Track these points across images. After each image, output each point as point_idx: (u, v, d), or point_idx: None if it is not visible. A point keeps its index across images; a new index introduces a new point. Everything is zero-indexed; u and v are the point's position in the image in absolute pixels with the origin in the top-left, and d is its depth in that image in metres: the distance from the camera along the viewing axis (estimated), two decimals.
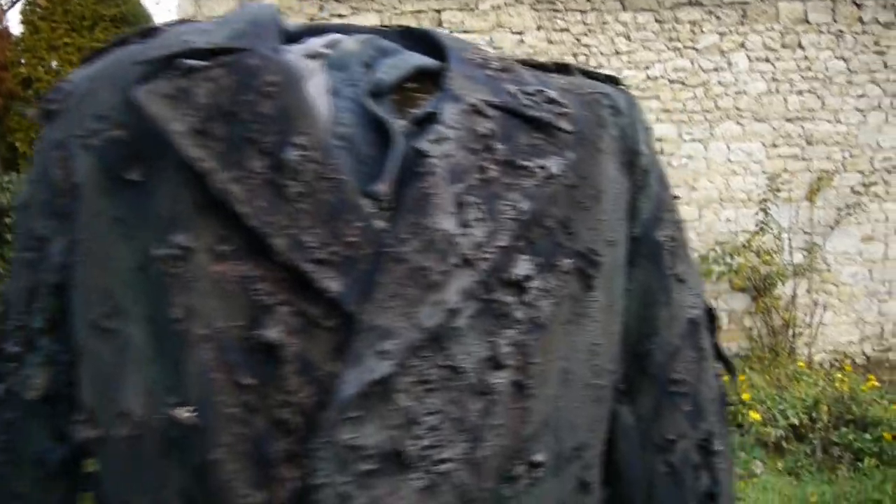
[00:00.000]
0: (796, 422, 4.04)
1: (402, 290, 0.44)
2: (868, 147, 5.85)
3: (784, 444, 3.98)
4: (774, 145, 5.74)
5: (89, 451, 0.52)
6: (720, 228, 5.67)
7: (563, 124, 0.52)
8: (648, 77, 5.59)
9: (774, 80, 5.72)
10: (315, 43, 0.54)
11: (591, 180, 0.54)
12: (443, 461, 0.45)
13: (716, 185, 5.67)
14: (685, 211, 5.58)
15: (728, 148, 5.69)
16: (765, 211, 5.47)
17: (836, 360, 5.74)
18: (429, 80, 0.53)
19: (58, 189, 0.51)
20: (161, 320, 0.46)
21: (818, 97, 5.78)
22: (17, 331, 0.53)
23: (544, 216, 0.50)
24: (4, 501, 0.55)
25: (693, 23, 5.62)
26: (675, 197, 0.63)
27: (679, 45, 5.61)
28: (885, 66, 5.83)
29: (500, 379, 0.47)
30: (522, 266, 0.48)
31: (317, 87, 0.50)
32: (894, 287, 5.92)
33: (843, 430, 3.93)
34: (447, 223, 0.46)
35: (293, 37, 0.56)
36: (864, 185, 5.75)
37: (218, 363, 0.44)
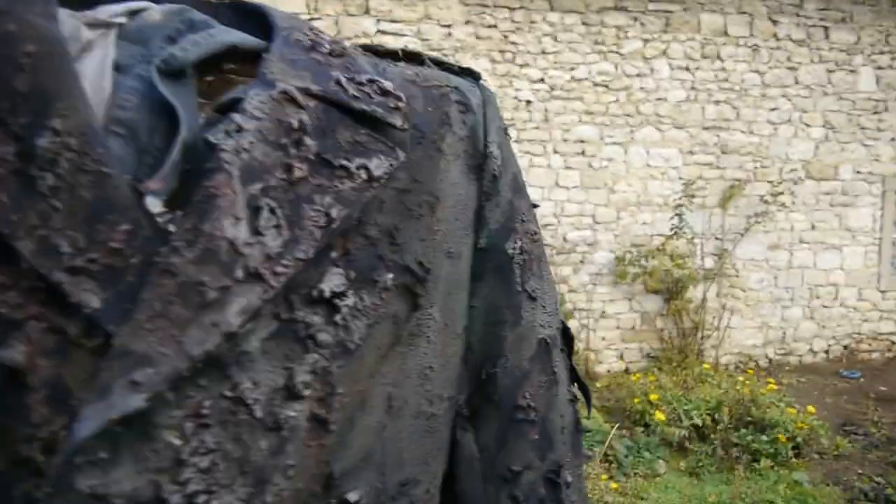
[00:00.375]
0: (699, 422, 4.14)
1: (169, 309, 0.36)
2: (778, 158, 6.08)
3: (687, 444, 4.08)
4: (691, 152, 5.89)
5: None
6: (637, 231, 5.77)
7: (396, 120, 0.46)
8: (573, 78, 5.63)
9: (693, 88, 5.86)
10: (111, 10, 0.46)
11: (427, 185, 0.47)
12: None
13: (634, 188, 5.77)
14: (604, 213, 5.67)
15: (647, 153, 5.80)
16: (679, 216, 5.61)
17: (741, 363, 5.95)
18: (251, 63, 0.46)
19: None
20: None
21: (734, 108, 5.96)
22: None
23: (365, 224, 0.44)
24: None
25: (618, 27, 5.70)
26: (534, 205, 0.57)
27: (604, 48, 5.68)
28: (797, 81, 6.07)
29: (296, 412, 0.40)
30: (333, 281, 0.42)
31: (96, 63, 0.42)
32: (797, 294, 6.18)
33: (743, 431, 4.05)
34: (234, 230, 0.38)
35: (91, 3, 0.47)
36: (772, 194, 5.97)
37: None
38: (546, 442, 0.55)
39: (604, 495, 2.83)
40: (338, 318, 0.41)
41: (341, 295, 0.42)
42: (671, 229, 5.64)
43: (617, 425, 4.14)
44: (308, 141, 0.42)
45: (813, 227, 6.19)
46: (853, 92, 6.23)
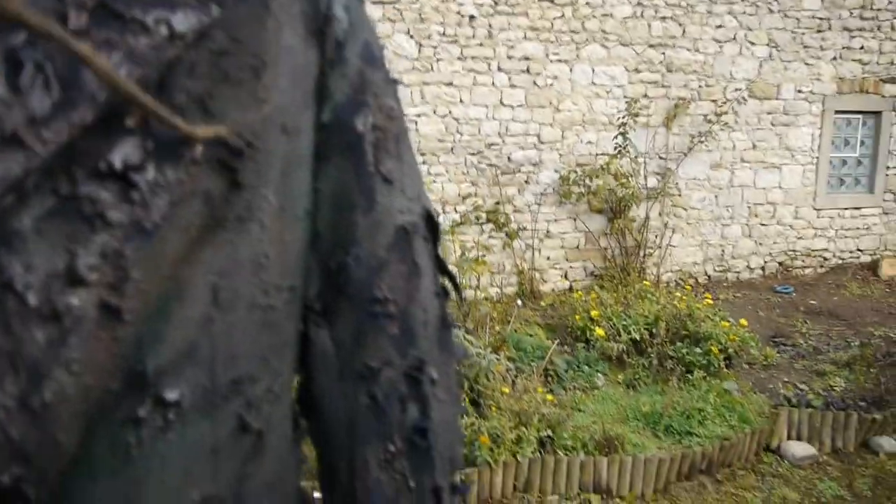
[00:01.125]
0: (637, 337, 4.26)
1: None
2: (722, 77, 6.08)
3: (625, 357, 4.19)
4: (636, 70, 5.83)
5: None
6: (581, 150, 5.76)
7: None
8: None
9: (639, 4, 5.76)
10: None
11: (250, 47, 0.41)
12: None
13: (579, 107, 5.72)
14: (549, 132, 5.63)
15: (592, 70, 5.73)
16: (623, 135, 5.60)
17: (681, 280, 6.10)
18: None
19: None
20: None
21: (679, 24, 5.90)
22: None
23: (169, 89, 0.38)
24: None
25: None
26: (394, 80, 0.52)
27: None
28: None
29: (79, 300, 0.35)
30: (126, 152, 0.36)
31: None
32: (736, 212, 6.31)
33: (678, 344, 4.18)
34: None
35: None
36: (716, 114, 6.00)
37: None
38: (407, 337, 0.51)
39: (539, 407, 2.91)
40: (133, 194, 0.36)
41: (137, 168, 0.36)
42: (615, 148, 5.64)
43: (557, 342, 4.22)
44: None
45: (754, 147, 6.27)
46: (798, 10, 6.22)
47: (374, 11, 5.15)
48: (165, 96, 0.38)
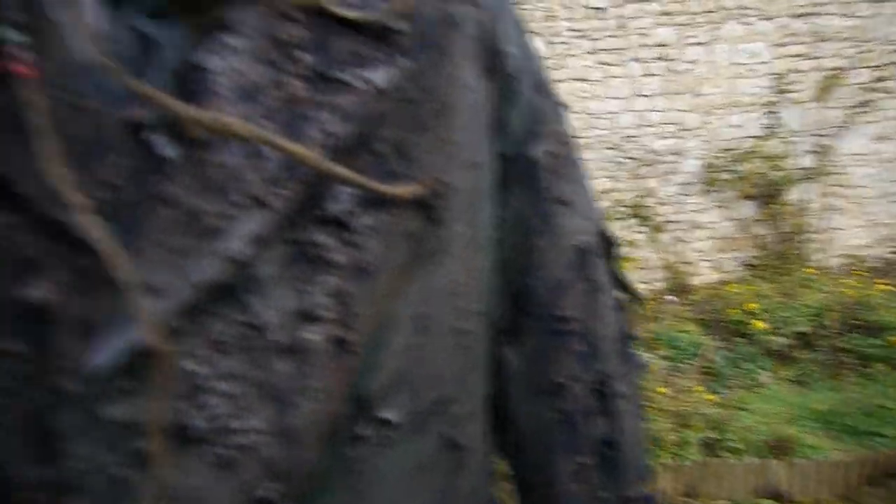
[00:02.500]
0: (803, 329, 3.98)
1: (173, 240, 0.36)
2: (880, 41, 5.56)
3: (791, 352, 3.94)
4: (781, 44, 5.47)
5: None
6: (726, 135, 5.48)
7: (399, 24, 0.43)
8: None
9: None
10: None
11: (437, 93, 0.45)
12: (243, 432, 0.38)
13: (721, 89, 5.45)
14: (689, 119, 5.40)
15: (732, 50, 5.43)
16: (772, 114, 5.27)
17: (848, 266, 5.63)
18: None
19: None
20: None
21: None
22: None
23: (371, 139, 0.42)
24: None
25: None
26: (562, 105, 0.54)
27: None
28: None
29: (314, 335, 0.40)
30: (341, 200, 0.40)
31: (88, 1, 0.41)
32: None
33: (852, 335, 3.87)
34: (230, 155, 0.38)
35: None
36: (877, 80, 5.49)
37: None
38: (591, 353, 0.53)
39: (699, 407, 2.79)
40: (351, 238, 0.40)
41: (352, 214, 0.40)
42: (764, 129, 5.31)
43: (713, 337, 4.04)
44: (302, 55, 0.40)
45: None
46: None
47: None
48: (368, 146, 0.42)
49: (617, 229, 5.06)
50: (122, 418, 0.36)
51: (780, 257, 5.34)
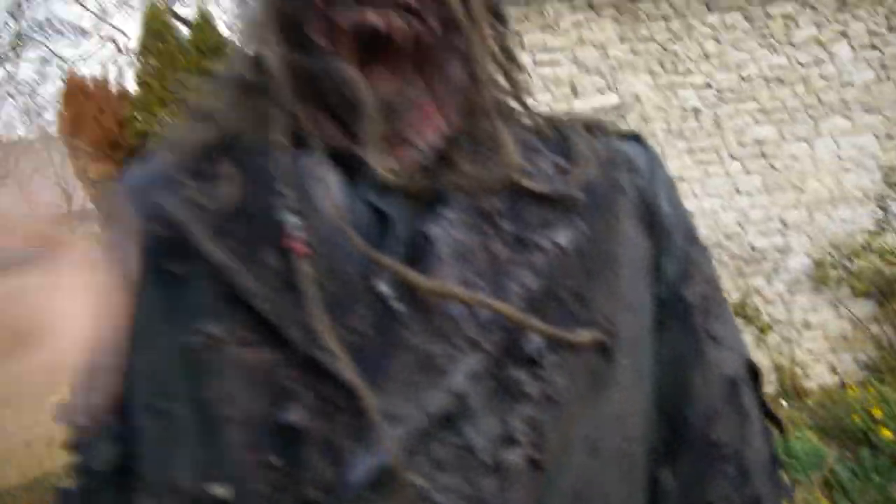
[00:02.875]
0: None
1: (410, 377, 0.45)
2: None
3: None
4: (889, 136, 5.34)
5: None
6: (835, 230, 5.31)
7: (575, 194, 0.51)
8: (742, 78, 5.35)
9: (883, 66, 5.34)
10: None
11: (606, 248, 0.52)
12: None
13: (826, 184, 5.33)
14: (794, 215, 5.29)
15: (837, 144, 5.34)
16: (883, 208, 5.09)
17: None
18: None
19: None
20: (200, 401, 0.48)
21: None
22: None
23: (557, 289, 0.49)
24: None
25: (786, 16, 5.35)
26: (708, 251, 0.60)
27: (773, 41, 5.35)
28: None
29: (514, 456, 0.46)
30: (534, 342, 0.48)
31: (328, 181, 0.51)
32: None
33: None
34: (453, 307, 0.46)
35: None
36: None
37: (248, 444, 0.46)
38: (742, 476, 0.56)
39: None
40: (542, 373, 0.47)
41: (542, 354, 0.47)
42: (876, 224, 5.12)
43: (836, 447, 3.79)
44: (503, 223, 0.49)
45: None
46: None
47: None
48: (554, 295, 0.49)
49: None
50: None
51: None
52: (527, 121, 0.57)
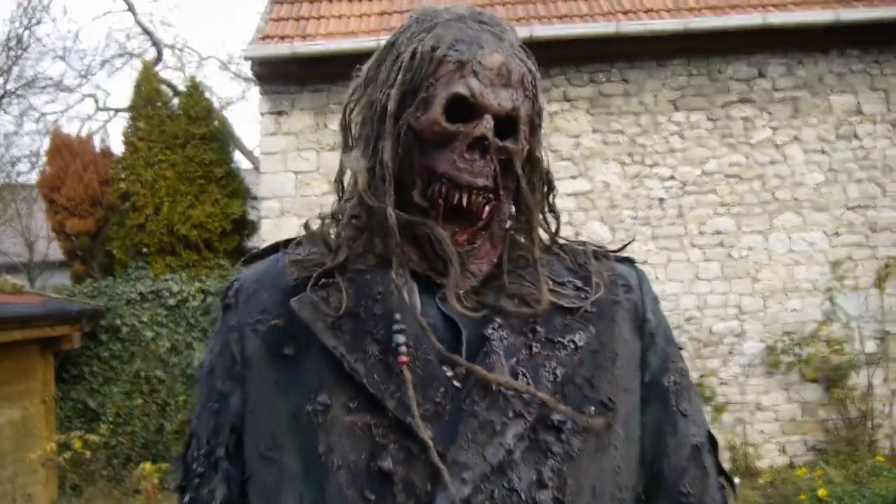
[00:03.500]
0: None
1: (476, 436, 0.65)
2: None
3: None
4: (836, 234, 5.75)
5: None
6: (787, 318, 5.65)
7: (587, 307, 0.74)
8: (704, 172, 5.75)
9: (832, 170, 5.79)
10: None
11: (609, 345, 0.75)
12: None
13: (779, 275, 5.70)
14: (749, 302, 5.61)
15: (789, 238, 5.74)
16: (831, 301, 5.45)
17: None
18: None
19: (235, 360, 0.75)
20: (309, 453, 0.68)
21: (878, 185, 5.81)
22: (204, 457, 0.76)
23: (574, 377, 0.71)
24: None
25: (745, 119, 5.80)
26: (681, 349, 0.83)
27: (733, 140, 5.79)
28: None
29: (545, 496, 0.66)
30: (559, 415, 0.69)
31: (410, 291, 0.73)
32: None
33: None
34: (505, 389, 0.67)
35: None
36: None
37: (350, 484, 0.65)
38: None
39: None
40: (563, 436, 0.68)
41: (564, 422, 0.69)
42: (824, 314, 5.48)
43: None
44: (538, 328, 0.71)
45: None
46: None
47: (568, 203, 5.67)
48: (572, 380, 0.71)
49: None
50: None
51: (848, 443, 5.29)
52: (556, 250, 0.80)
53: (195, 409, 0.81)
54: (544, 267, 0.76)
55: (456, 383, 0.68)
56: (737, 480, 4.91)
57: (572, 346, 0.71)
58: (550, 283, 0.75)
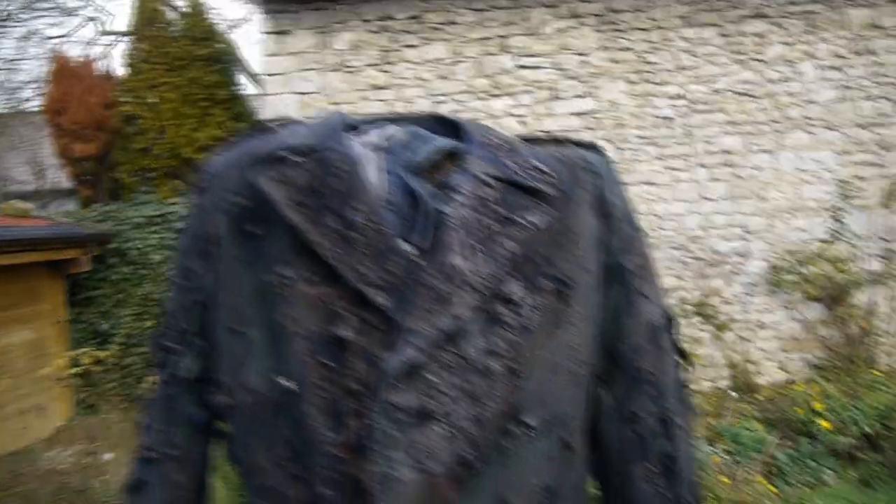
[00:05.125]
0: (870, 431, 4.02)
1: (427, 306, 0.67)
2: None
3: (857, 453, 3.96)
4: (846, 152, 5.67)
5: (224, 415, 0.78)
6: (792, 238, 5.64)
7: (548, 189, 0.75)
8: (714, 90, 5.64)
9: (845, 87, 5.66)
10: (374, 134, 0.79)
11: (570, 227, 0.76)
12: (455, 416, 0.67)
13: (786, 194, 5.65)
14: (755, 222, 5.60)
15: (798, 157, 5.66)
16: (837, 219, 5.42)
17: None
18: (452, 157, 0.77)
19: (205, 239, 0.77)
20: (272, 325, 0.71)
21: (891, 101, 5.68)
22: (177, 333, 0.80)
23: (531, 254, 0.73)
24: (166, 448, 0.81)
25: (758, 35, 5.65)
26: (643, 231, 0.84)
27: (744, 57, 5.65)
28: None
29: (498, 364, 0.69)
30: (514, 288, 0.71)
31: (374, 169, 0.74)
32: None
33: None
34: (459, 261, 0.69)
35: (357, 127, 0.80)
36: None
37: (308, 351, 0.68)
38: (658, 394, 0.80)
39: (762, 499, 2.89)
40: (519, 310, 0.71)
41: (521, 297, 0.71)
42: (828, 233, 5.46)
43: (778, 435, 4.10)
44: (497, 207, 0.72)
45: None
46: None
47: (573, 122, 5.60)
48: (530, 258, 0.72)
49: (682, 326, 5.21)
50: (398, 404, 0.66)
51: (846, 359, 5.36)
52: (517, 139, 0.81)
53: (170, 290, 0.84)
54: (510, 151, 0.77)
55: (413, 258, 0.70)
56: (734, 395, 5.03)
57: (530, 226, 0.72)
58: (513, 164, 0.75)
